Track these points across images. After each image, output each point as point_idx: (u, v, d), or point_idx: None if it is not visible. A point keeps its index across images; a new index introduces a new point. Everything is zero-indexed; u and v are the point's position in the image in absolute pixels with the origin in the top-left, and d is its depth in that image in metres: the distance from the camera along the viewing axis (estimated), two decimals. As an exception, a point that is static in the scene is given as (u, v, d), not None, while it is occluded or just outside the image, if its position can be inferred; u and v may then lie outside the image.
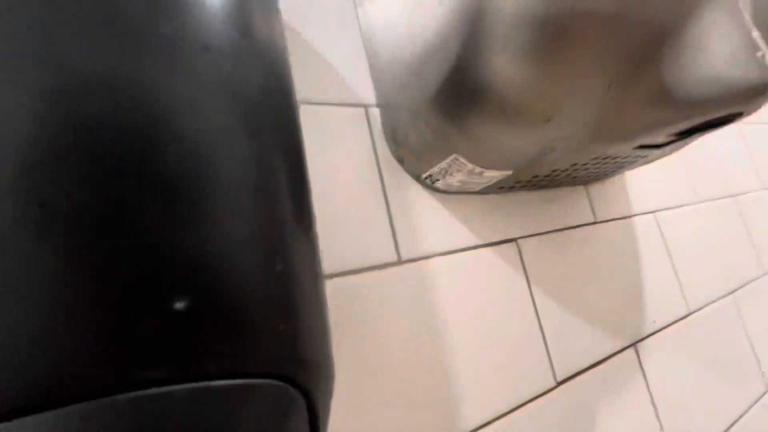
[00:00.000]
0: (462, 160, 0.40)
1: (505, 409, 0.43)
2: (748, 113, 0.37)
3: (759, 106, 0.36)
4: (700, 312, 0.69)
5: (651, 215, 0.70)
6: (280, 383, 0.18)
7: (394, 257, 0.42)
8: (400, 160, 0.45)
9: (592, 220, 0.61)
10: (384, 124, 0.45)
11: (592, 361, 0.52)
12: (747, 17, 0.36)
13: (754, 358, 0.73)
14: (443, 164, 0.41)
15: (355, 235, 0.41)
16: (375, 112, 0.46)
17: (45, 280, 0.14)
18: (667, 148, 0.47)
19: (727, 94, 0.34)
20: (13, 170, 0.14)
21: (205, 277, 0.16)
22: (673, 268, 0.69)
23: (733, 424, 0.63)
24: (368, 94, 0.46)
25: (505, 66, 0.33)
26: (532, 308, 0.50)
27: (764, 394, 0.71)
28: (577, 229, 0.58)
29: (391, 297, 0.40)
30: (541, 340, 0.49)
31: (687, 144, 0.51)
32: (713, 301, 0.71)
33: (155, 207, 0.16)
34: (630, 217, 0.66)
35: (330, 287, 0.38)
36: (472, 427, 0.41)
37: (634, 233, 0.66)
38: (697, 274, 0.72)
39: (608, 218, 0.63)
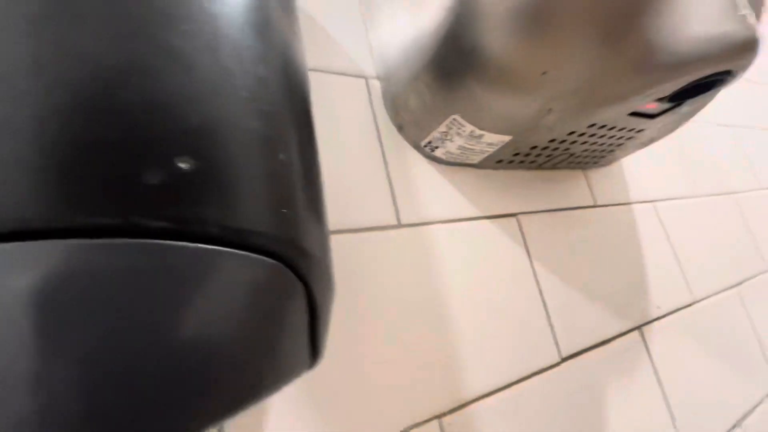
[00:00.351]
0: (461, 120, 0.40)
1: (508, 381, 0.42)
2: (737, 72, 0.38)
3: (747, 64, 0.37)
4: (705, 302, 0.67)
5: (651, 204, 0.70)
6: (281, 265, 0.18)
7: (394, 220, 0.42)
8: (400, 128, 0.46)
9: (592, 204, 0.61)
10: (384, 93, 0.46)
11: (597, 341, 0.51)
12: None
13: (761, 355, 0.71)
14: (442, 128, 0.42)
15: (355, 198, 0.41)
16: (375, 84, 0.47)
17: (58, 115, 0.14)
18: (663, 120, 0.48)
19: (713, 51, 0.35)
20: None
21: (213, 143, 0.17)
22: (675, 257, 0.68)
23: (745, 417, 0.60)
24: (369, 67, 0.48)
25: (499, 26, 0.34)
26: (534, 283, 0.49)
27: (777, 390, 0.69)
28: (577, 211, 0.58)
29: (391, 257, 0.40)
30: (544, 314, 0.48)
31: (685, 119, 0.52)
32: (717, 293, 0.70)
33: (171, 68, 0.16)
34: (629, 203, 0.67)
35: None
36: (474, 395, 0.39)
37: (635, 220, 0.66)
38: (700, 264, 0.71)
39: (608, 203, 0.63)
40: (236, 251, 0.16)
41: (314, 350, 0.21)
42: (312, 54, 0.44)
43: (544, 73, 0.35)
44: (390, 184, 0.43)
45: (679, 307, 0.63)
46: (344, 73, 0.45)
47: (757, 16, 0.45)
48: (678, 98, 0.42)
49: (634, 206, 0.67)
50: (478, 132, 0.41)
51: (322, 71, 0.44)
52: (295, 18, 0.27)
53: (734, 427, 0.58)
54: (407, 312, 0.39)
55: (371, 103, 0.46)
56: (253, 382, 0.18)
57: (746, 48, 0.35)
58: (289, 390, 0.32)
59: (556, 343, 0.47)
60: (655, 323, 0.58)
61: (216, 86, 0.17)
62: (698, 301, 0.66)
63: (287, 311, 0.18)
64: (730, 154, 0.95)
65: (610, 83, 0.38)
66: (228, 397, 0.17)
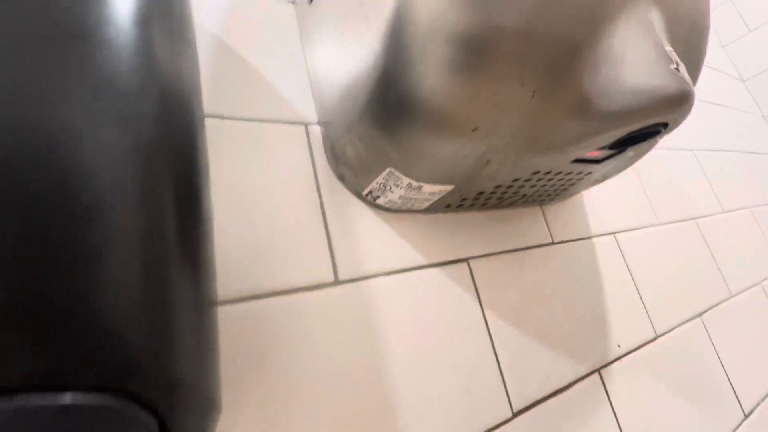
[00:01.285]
0: (397, 173, 0.39)
1: (455, 444, 0.40)
2: (674, 124, 0.38)
3: (681, 117, 0.37)
4: (668, 335, 0.67)
5: (611, 236, 0.69)
6: (113, 398, 0.15)
7: (330, 277, 0.40)
8: (341, 178, 0.44)
9: (549, 241, 0.60)
10: (324, 141, 0.45)
11: (553, 389, 0.49)
12: (659, 32, 0.37)
13: (728, 384, 0.70)
14: (380, 179, 0.40)
15: (289, 254, 0.39)
16: (316, 130, 0.46)
17: None
18: (609, 164, 0.47)
19: (647, 104, 0.34)
20: None
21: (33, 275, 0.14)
22: (636, 291, 0.67)
23: (711, 457, 0.59)
24: (310, 112, 0.46)
25: (426, 78, 0.33)
26: (486, 332, 0.47)
27: (742, 422, 0.68)
28: (534, 250, 0.57)
29: (326, 320, 0.38)
30: (495, 366, 0.46)
31: (632, 161, 0.51)
32: (681, 324, 0.70)
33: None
34: (589, 238, 0.66)
35: (256, 308, 0.35)
36: (417, 465, 0.37)
37: (594, 255, 0.65)
38: (662, 296, 0.70)
39: (566, 239, 0.62)
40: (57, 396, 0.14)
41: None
42: (244, 101, 0.42)
43: (474, 129, 0.34)
44: (328, 236, 0.41)
45: (642, 343, 0.62)
46: (281, 121, 0.43)
47: (697, 67, 0.45)
48: (618, 146, 0.41)
49: (594, 240, 0.67)
50: (415, 184, 0.40)
51: (255, 120, 0.42)
52: (187, 44, 0.25)
53: (699, 468, 0.57)
54: (344, 382, 0.37)
55: (311, 150, 0.44)
56: None
57: (679, 101, 0.35)
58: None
59: (508, 397, 0.45)
60: (615, 364, 0.57)
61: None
62: (661, 335, 0.66)
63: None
64: (692, 178, 0.96)
65: (546, 135, 0.37)
66: None
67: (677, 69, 0.34)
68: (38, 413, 0.14)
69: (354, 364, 0.37)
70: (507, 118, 0.34)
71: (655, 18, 0.38)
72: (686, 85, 0.34)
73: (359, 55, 0.37)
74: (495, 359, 0.46)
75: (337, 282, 0.40)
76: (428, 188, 0.41)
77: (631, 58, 0.35)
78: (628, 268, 0.68)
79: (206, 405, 0.19)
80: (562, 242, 0.61)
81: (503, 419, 0.44)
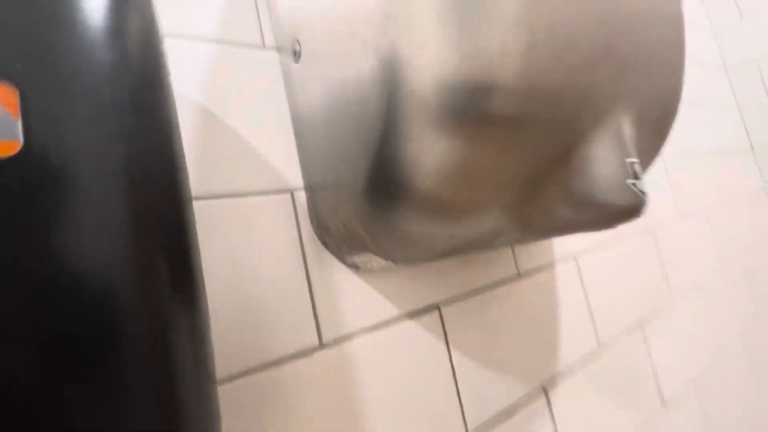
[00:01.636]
0: (376, 258, 0.42)
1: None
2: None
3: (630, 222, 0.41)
4: (610, 347, 0.76)
5: (572, 260, 0.76)
6: None
7: (315, 341, 0.45)
8: (324, 243, 0.47)
9: (515, 274, 0.66)
10: (309, 208, 0.47)
11: (504, 410, 0.58)
12: (627, 138, 0.40)
13: (654, 385, 0.83)
14: (362, 257, 0.44)
15: (277, 322, 0.43)
16: (301, 195, 0.47)
17: None
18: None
19: (601, 216, 0.38)
20: None
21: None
22: (588, 309, 0.76)
23: (629, 449, 0.72)
24: (295, 176, 0.48)
25: (419, 174, 0.35)
26: (451, 374, 0.54)
27: (660, 407, 0.81)
28: (500, 288, 0.63)
29: (312, 386, 0.43)
30: (458, 406, 0.53)
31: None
32: (621, 333, 0.80)
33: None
34: (552, 263, 0.72)
35: (249, 384, 0.40)
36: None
37: (556, 279, 0.72)
38: (609, 309, 0.79)
39: (531, 269, 0.68)
40: None
41: None
42: (228, 175, 0.43)
43: (451, 237, 0.37)
44: (312, 301, 0.45)
45: (586, 358, 0.72)
46: (266, 192, 0.45)
47: (663, 135, 0.49)
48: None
49: (557, 265, 0.73)
50: (394, 266, 0.43)
51: (239, 196, 0.43)
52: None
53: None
54: None
55: (296, 215, 0.47)
56: None
57: (628, 215, 0.38)
58: None
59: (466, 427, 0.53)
60: (560, 383, 0.66)
61: None
62: (604, 349, 0.75)
63: None
64: (650, 184, 1.02)
65: (533, 225, 0.41)
66: None
67: (635, 184, 0.38)
68: None
69: (338, 428, 0.43)
70: (494, 213, 0.38)
71: (626, 122, 0.41)
72: (640, 201, 0.38)
73: (350, 133, 0.38)
74: (458, 400, 0.53)
75: (321, 346, 0.45)
76: (407, 267, 0.45)
77: (598, 169, 0.38)
78: (583, 287, 0.76)
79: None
80: (527, 274, 0.67)
81: (460, 445, 0.52)
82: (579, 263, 0.77)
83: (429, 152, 0.34)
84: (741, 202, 1.34)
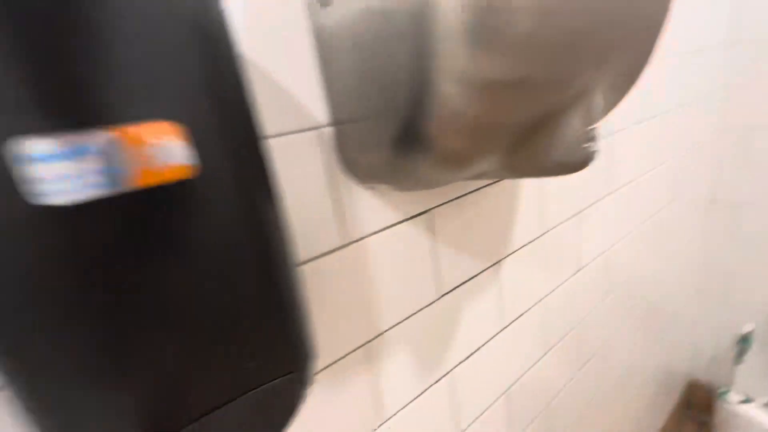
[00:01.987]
0: (396, 192, 0.55)
1: (404, 314, 0.72)
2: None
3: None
4: (552, 231, 0.99)
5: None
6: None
7: (338, 243, 0.61)
8: (348, 172, 0.58)
9: (493, 182, 0.81)
10: (336, 141, 0.56)
11: (466, 278, 0.81)
12: (595, 110, 0.50)
13: (576, 257, 1.10)
14: (380, 186, 0.56)
15: (311, 232, 0.58)
16: (325, 131, 0.56)
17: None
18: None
19: (559, 169, 0.51)
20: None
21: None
22: (539, 205, 0.95)
23: (551, 292, 1.02)
24: (322, 115, 0.55)
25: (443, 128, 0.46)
26: (434, 256, 0.74)
27: (576, 272, 1.11)
28: (477, 193, 0.79)
29: (337, 273, 0.61)
30: (434, 278, 0.75)
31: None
32: (564, 221, 1.02)
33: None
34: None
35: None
36: (387, 326, 0.70)
37: (523, 188, 0.88)
38: (559, 204, 0.99)
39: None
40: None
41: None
42: (266, 118, 0.51)
43: (455, 177, 0.50)
44: (337, 215, 0.60)
45: (533, 240, 0.95)
46: (298, 130, 0.54)
47: (618, 103, 0.58)
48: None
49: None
50: (407, 194, 0.57)
51: (278, 136, 0.52)
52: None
53: (539, 302, 1.00)
54: (350, 311, 0.64)
55: (322, 148, 0.57)
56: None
57: (575, 169, 0.52)
58: None
59: (437, 287, 0.77)
60: (510, 258, 0.90)
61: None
62: (547, 231, 0.98)
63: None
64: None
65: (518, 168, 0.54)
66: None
67: (588, 147, 0.50)
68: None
69: (356, 294, 0.64)
70: (490, 160, 0.50)
71: (599, 93, 0.50)
72: (590, 159, 0.51)
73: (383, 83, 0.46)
74: (437, 274, 0.75)
75: (343, 246, 0.61)
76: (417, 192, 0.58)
77: (561, 136, 0.49)
78: (541, 194, 0.94)
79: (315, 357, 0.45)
80: (500, 182, 0.83)
81: (433, 299, 0.76)
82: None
83: (452, 98, 0.43)
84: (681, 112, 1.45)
